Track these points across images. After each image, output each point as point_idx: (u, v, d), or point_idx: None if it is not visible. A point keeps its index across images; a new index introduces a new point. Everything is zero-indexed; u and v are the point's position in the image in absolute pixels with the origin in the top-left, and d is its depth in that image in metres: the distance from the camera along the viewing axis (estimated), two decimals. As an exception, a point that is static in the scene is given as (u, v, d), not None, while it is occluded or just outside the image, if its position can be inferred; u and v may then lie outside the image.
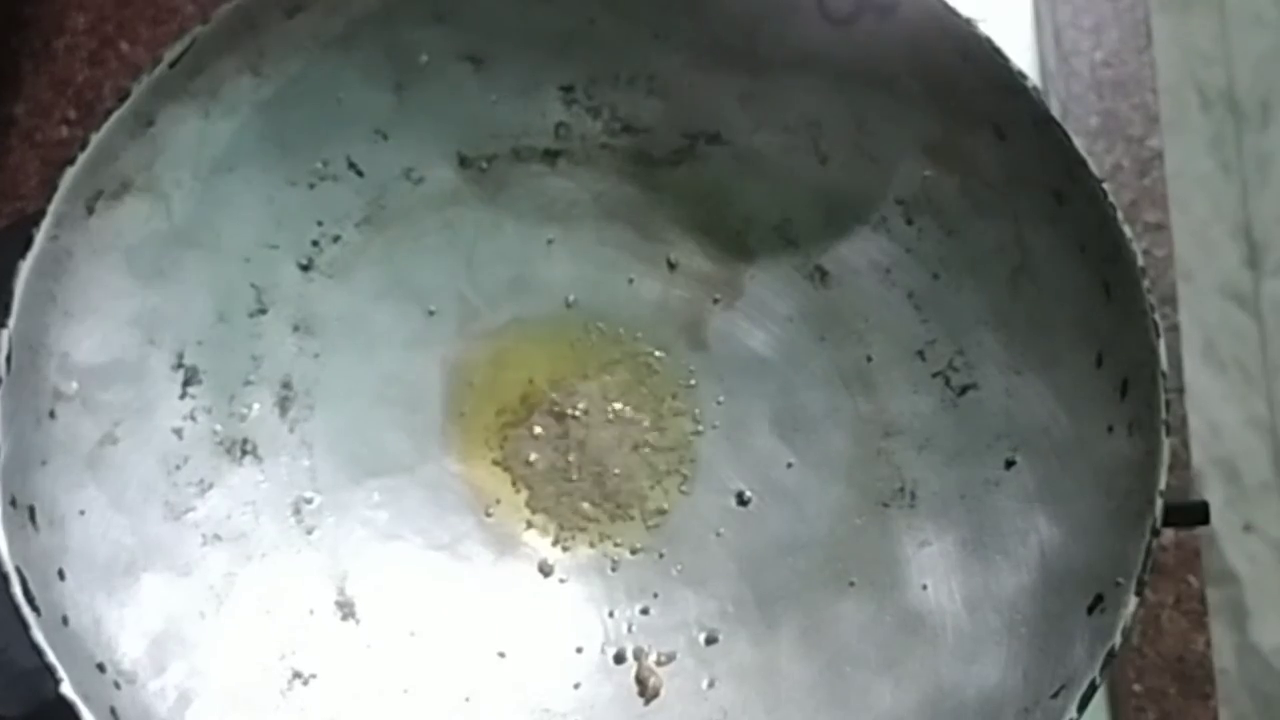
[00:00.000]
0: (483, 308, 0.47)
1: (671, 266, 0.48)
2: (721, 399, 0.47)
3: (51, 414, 0.40)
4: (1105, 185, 0.41)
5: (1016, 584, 0.41)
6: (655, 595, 0.44)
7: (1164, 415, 0.39)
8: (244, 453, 0.44)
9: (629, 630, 0.44)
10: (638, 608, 0.44)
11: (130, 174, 0.42)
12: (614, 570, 0.45)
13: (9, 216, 0.56)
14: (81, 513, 0.40)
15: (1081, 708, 0.37)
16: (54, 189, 0.40)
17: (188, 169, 0.43)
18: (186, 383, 0.44)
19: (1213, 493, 1.16)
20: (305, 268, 0.46)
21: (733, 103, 0.47)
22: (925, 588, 0.43)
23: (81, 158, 0.41)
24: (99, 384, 0.41)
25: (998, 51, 0.43)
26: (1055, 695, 0.38)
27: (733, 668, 0.43)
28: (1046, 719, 0.38)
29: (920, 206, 0.45)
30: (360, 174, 0.47)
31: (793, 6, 0.45)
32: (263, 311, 0.45)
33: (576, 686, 0.43)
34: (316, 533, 0.44)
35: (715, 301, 0.48)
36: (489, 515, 0.46)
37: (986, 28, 0.43)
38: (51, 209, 0.40)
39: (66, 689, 0.36)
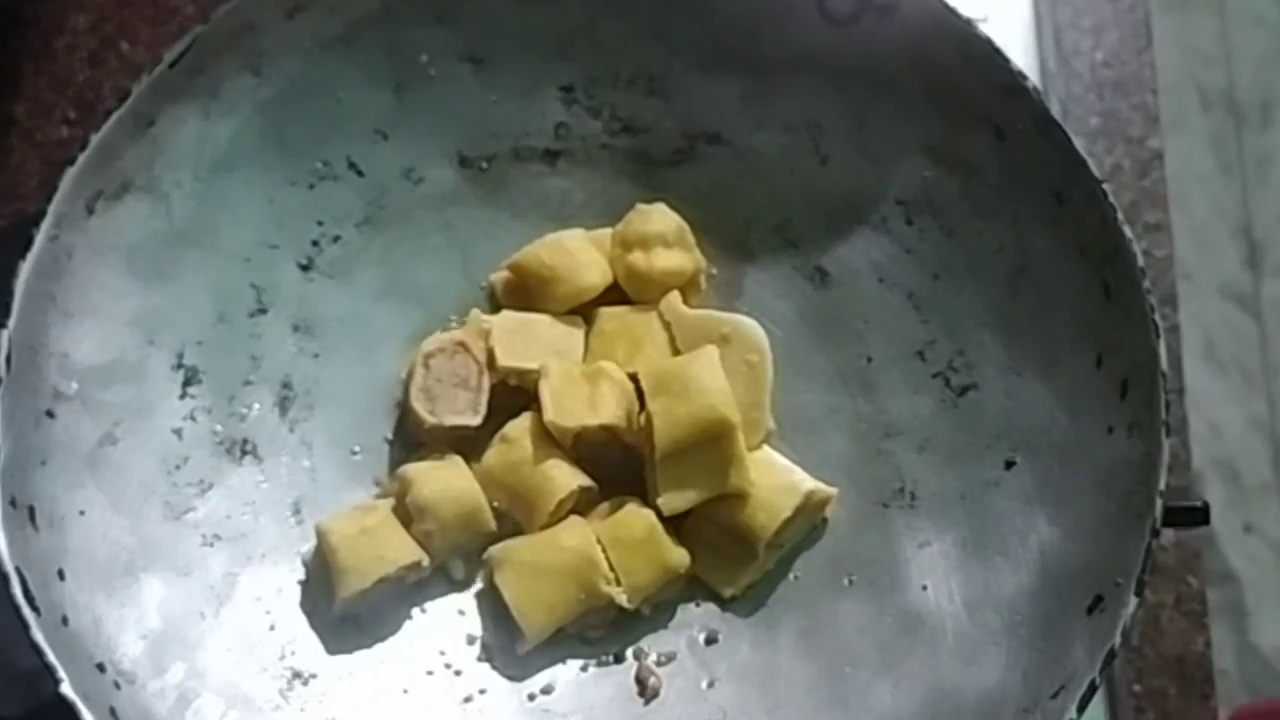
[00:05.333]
0: (483, 307, 0.47)
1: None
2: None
3: (51, 414, 0.40)
4: (1105, 186, 0.41)
5: (1016, 585, 0.41)
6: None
7: (1164, 416, 0.39)
8: (244, 453, 0.44)
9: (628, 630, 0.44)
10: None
11: (130, 174, 0.42)
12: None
13: (9, 216, 0.56)
14: (81, 513, 0.40)
15: (1081, 708, 0.37)
16: (54, 189, 0.40)
17: (188, 169, 0.43)
18: (186, 383, 0.44)
19: (1213, 493, 1.16)
20: (305, 268, 0.46)
21: (733, 103, 0.47)
22: (925, 588, 0.43)
23: (81, 158, 0.41)
24: (99, 384, 0.41)
25: (998, 52, 0.43)
26: (1055, 695, 0.38)
27: (733, 668, 0.43)
28: (1046, 719, 0.38)
29: (920, 207, 0.45)
30: (360, 174, 0.47)
31: (793, 7, 0.45)
32: (263, 311, 0.45)
33: (577, 685, 0.43)
34: (316, 533, 0.44)
35: (716, 302, 0.48)
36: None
37: (986, 28, 0.44)
38: (51, 209, 0.40)
39: (66, 689, 0.36)
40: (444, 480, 0.43)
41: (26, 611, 0.37)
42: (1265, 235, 1.25)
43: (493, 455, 0.44)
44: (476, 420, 0.44)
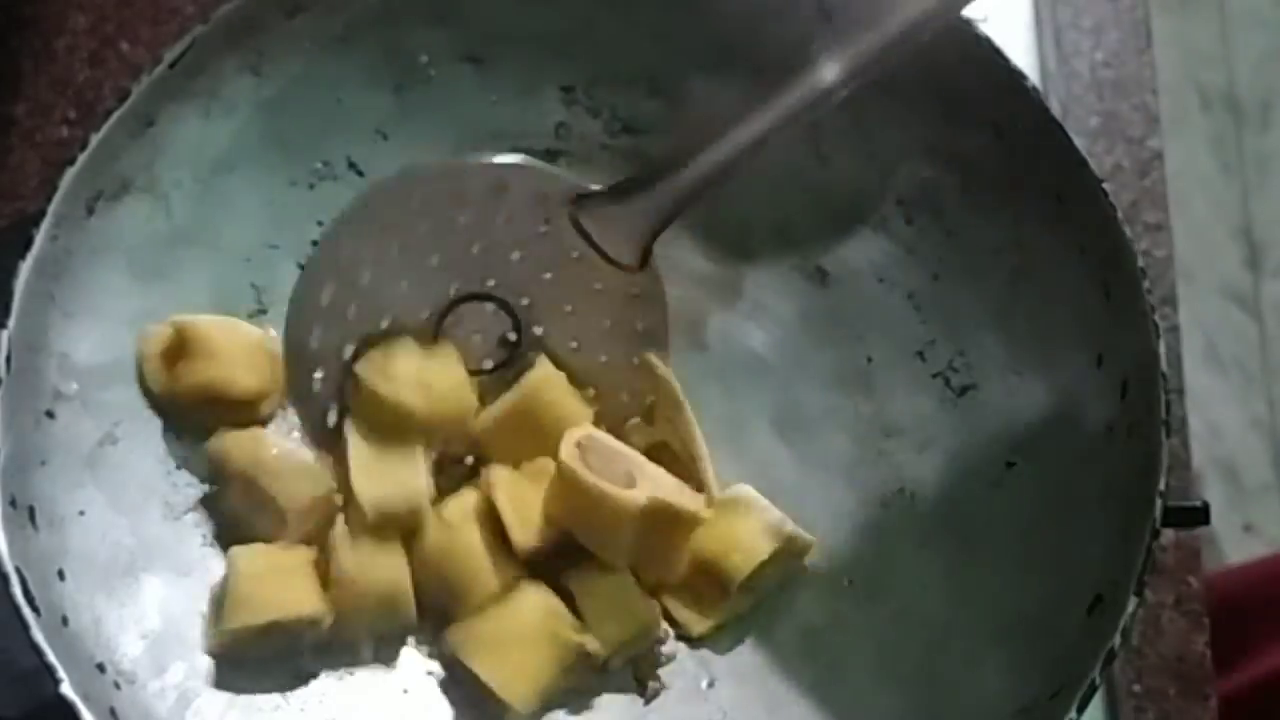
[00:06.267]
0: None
1: (671, 267, 0.48)
2: (721, 399, 0.47)
3: (51, 414, 0.40)
4: (1105, 186, 0.41)
5: (1016, 585, 0.41)
6: (655, 595, 0.44)
7: (1164, 416, 0.39)
8: (244, 453, 0.44)
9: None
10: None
11: (130, 174, 0.42)
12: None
13: (9, 216, 0.56)
14: (81, 513, 0.40)
15: (1081, 708, 0.37)
16: (54, 189, 0.40)
17: (188, 169, 0.43)
18: (186, 383, 0.44)
19: (1213, 493, 1.16)
20: (305, 268, 0.46)
21: (733, 103, 0.47)
22: (925, 588, 0.43)
23: (81, 158, 0.41)
24: (99, 384, 0.41)
25: (998, 51, 0.43)
26: (1055, 695, 0.38)
27: (733, 668, 0.43)
28: (1046, 719, 0.38)
29: (920, 206, 0.45)
30: (360, 174, 0.47)
31: (792, 6, 0.45)
32: (263, 312, 0.45)
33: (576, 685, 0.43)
34: (316, 533, 0.44)
35: (715, 302, 0.48)
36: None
37: (986, 28, 0.43)
38: (51, 209, 0.40)
39: (66, 689, 0.36)
40: (371, 561, 0.41)
41: (26, 611, 0.36)
42: (1265, 235, 1.25)
43: (430, 536, 0.42)
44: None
